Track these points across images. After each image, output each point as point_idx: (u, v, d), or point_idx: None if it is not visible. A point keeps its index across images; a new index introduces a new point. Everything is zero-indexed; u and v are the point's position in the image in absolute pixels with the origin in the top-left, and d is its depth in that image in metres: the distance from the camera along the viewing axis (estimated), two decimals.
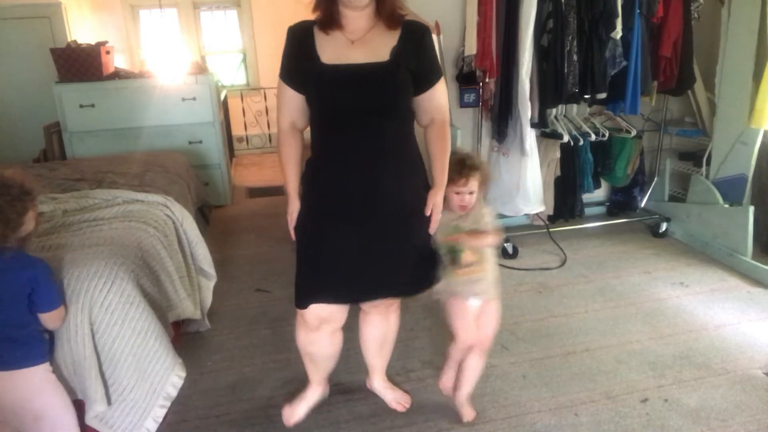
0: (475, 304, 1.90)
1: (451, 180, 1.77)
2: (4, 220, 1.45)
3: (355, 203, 1.61)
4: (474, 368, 1.92)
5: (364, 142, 1.58)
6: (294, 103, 1.63)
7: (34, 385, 1.57)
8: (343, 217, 1.63)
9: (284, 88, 1.63)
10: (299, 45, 1.58)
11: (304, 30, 1.59)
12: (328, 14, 1.54)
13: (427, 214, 1.73)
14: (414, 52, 1.58)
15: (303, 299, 1.71)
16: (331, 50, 1.55)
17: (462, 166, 1.79)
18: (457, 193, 1.79)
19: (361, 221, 1.63)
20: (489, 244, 1.85)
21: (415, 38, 1.59)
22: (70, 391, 1.74)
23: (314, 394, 1.99)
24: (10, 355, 1.53)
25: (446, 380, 2.04)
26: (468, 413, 1.94)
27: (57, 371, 1.71)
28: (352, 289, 1.71)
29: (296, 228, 1.71)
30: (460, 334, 1.91)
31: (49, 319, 1.59)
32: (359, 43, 1.55)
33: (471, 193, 1.80)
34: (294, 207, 1.69)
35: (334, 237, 1.64)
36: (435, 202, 1.71)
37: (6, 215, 1.45)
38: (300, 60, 1.58)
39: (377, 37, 1.57)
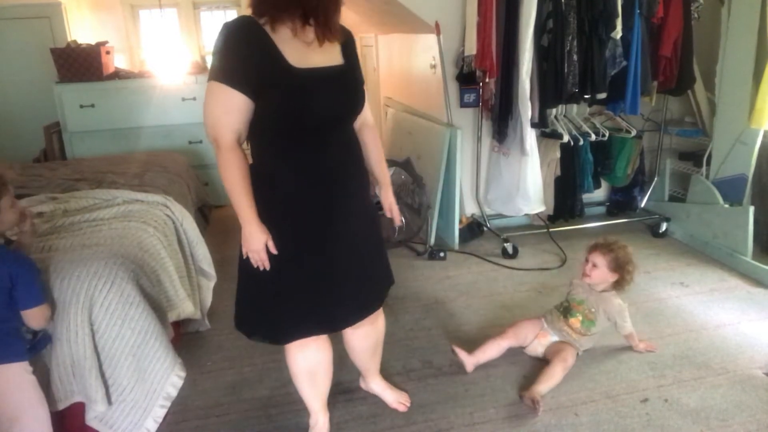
0: (552, 339, 2.24)
1: (589, 249, 2.23)
2: None
3: (334, 217, 1.53)
4: (547, 371, 2.09)
5: (336, 149, 1.51)
6: (243, 112, 1.40)
7: (10, 382, 1.55)
8: (321, 236, 1.53)
9: (230, 95, 1.37)
10: (254, 45, 1.38)
11: (256, 28, 1.40)
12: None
13: (389, 216, 1.78)
14: (354, 55, 1.58)
15: (295, 333, 1.63)
16: (294, 52, 1.41)
17: (600, 244, 2.22)
18: (586, 260, 2.23)
19: (340, 237, 1.55)
20: (635, 343, 2.30)
21: (350, 42, 1.58)
22: (69, 392, 1.75)
23: (324, 424, 1.86)
24: None
25: (473, 359, 2.19)
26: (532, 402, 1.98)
27: (56, 372, 1.71)
28: (345, 315, 1.66)
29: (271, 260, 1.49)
30: (509, 330, 2.27)
31: (31, 316, 1.56)
32: (314, 46, 1.44)
33: (594, 265, 2.20)
34: (262, 238, 1.44)
35: (318, 262, 1.53)
36: (391, 202, 1.78)
37: None
38: (260, 62, 1.38)
39: (328, 54, 1.50)
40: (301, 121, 1.43)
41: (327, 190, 1.51)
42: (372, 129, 1.72)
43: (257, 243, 1.45)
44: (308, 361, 1.75)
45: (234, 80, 1.37)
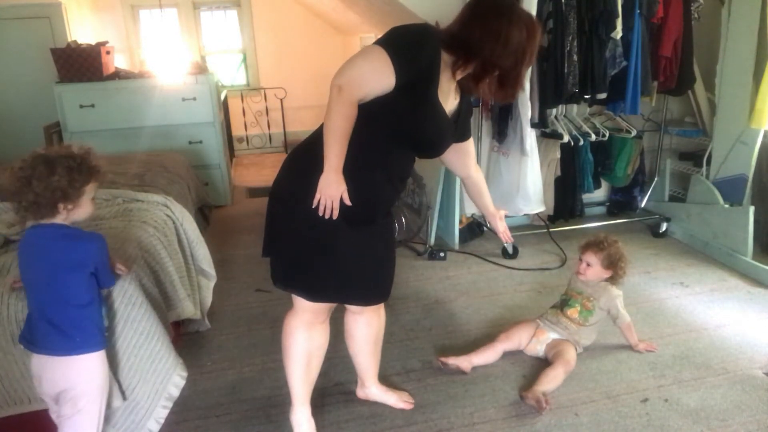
0: (551, 336, 2.25)
1: (581, 249, 2.29)
2: (62, 188, 1.41)
3: (386, 212, 1.71)
4: (549, 372, 2.09)
5: (408, 169, 1.69)
6: (380, 89, 1.44)
7: (82, 372, 1.51)
8: (375, 222, 1.66)
9: (386, 68, 1.41)
10: (433, 59, 1.48)
11: (439, 49, 1.49)
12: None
13: (507, 241, 2.06)
14: (466, 114, 1.73)
15: (331, 295, 1.69)
16: (442, 87, 1.53)
17: (591, 243, 2.26)
18: (580, 260, 2.28)
19: (386, 228, 1.72)
20: (634, 341, 2.30)
21: (468, 103, 1.73)
22: None
23: (309, 428, 1.87)
24: (63, 341, 1.45)
25: (467, 358, 2.20)
26: (533, 400, 1.98)
27: None
28: (370, 294, 1.78)
29: (327, 225, 1.53)
30: (501, 335, 2.28)
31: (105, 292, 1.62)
32: (452, 89, 1.58)
33: (588, 265, 2.25)
34: (341, 187, 1.48)
35: (368, 245, 1.66)
36: (505, 228, 2.00)
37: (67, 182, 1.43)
38: (423, 73, 1.47)
39: (455, 100, 1.63)
40: (403, 142, 1.57)
41: (388, 194, 1.66)
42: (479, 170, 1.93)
43: (335, 189, 1.47)
44: (311, 343, 1.78)
45: (399, 61, 1.42)
